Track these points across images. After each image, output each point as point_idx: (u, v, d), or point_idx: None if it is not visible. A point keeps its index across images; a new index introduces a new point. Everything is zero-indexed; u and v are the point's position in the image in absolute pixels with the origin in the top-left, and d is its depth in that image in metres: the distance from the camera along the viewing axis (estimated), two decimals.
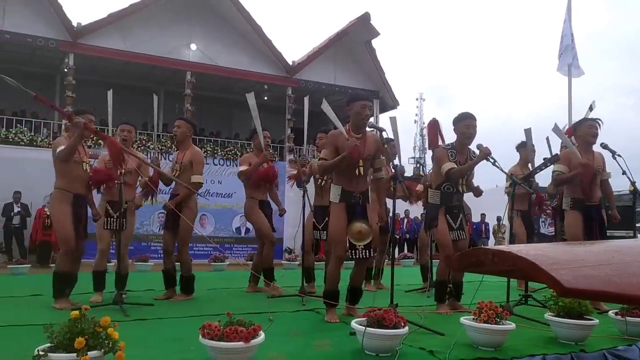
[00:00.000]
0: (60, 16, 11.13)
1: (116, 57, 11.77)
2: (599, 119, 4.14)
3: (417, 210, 12.35)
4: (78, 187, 3.86)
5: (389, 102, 14.71)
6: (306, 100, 4.78)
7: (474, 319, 2.77)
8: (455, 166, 3.67)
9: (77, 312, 1.99)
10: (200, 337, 2.25)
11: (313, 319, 3.51)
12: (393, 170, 3.17)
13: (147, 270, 7.03)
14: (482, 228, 13.56)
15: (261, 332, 2.34)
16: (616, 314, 3.17)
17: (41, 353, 1.91)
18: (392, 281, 3.25)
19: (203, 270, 7.00)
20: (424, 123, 33.74)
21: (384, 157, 3.54)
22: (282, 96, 13.47)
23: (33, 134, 11.18)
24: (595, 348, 2.83)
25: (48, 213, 9.75)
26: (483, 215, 13.51)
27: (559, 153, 4.05)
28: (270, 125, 13.46)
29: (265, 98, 14.15)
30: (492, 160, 3.56)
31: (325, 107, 3.52)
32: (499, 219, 12.97)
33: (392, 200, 3.45)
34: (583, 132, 4.12)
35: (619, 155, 3.92)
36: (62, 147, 3.70)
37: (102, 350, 1.94)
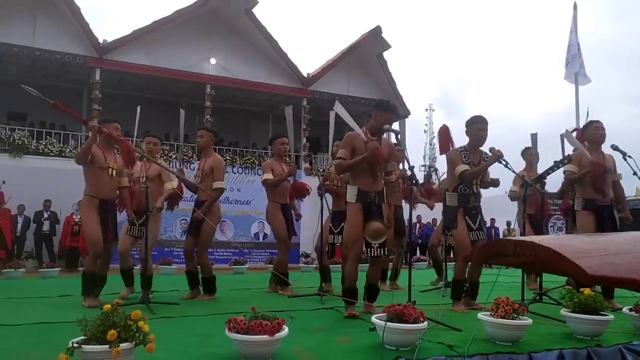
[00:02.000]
0: (87, 33, 11.62)
1: (140, 72, 12.19)
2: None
3: (429, 215, 12.44)
4: (105, 193, 4.01)
5: (400, 112, 14.86)
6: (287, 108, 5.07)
7: (491, 314, 2.84)
8: (469, 168, 3.78)
9: (109, 306, 2.13)
10: (227, 330, 2.37)
11: (333, 317, 3.62)
12: (409, 172, 3.27)
13: (171, 273, 7.22)
14: (492, 233, 13.51)
15: (285, 326, 2.46)
16: (630, 310, 3.20)
17: (75, 345, 2.01)
18: (410, 279, 3.34)
19: (224, 274, 7.16)
20: (433, 133, 33.81)
21: (394, 162, 3.66)
22: (298, 107, 13.74)
23: (62, 145, 11.63)
24: (611, 343, 2.87)
25: (76, 220, 10.15)
26: (493, 220, 13.51)
27: (570, 154, 4.11)
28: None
29: (282, 109, 14.43)
30: (504, 163, 3.66)
31: (338, 108, 3.68)
32: (508, 223, 12.94)
33: (409, 202, 3.56)
34: (590, 133, 4.22)
35: (630, 157, 3.95)
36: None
37: (134, 342, 2.06)
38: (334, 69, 13.82)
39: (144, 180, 4.23)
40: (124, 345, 2.04)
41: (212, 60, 12.83)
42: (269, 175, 4.87)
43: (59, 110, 4.00)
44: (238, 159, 12.74)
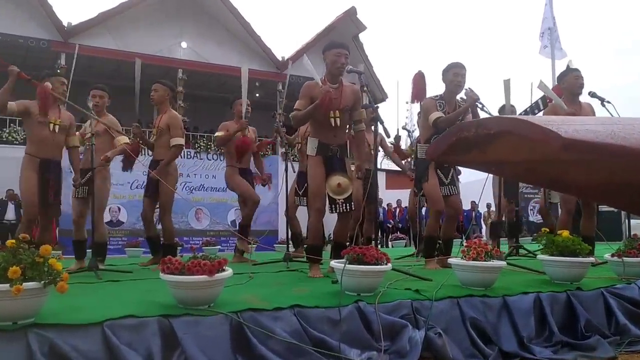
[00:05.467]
0: (51, 16, 11.13)
1: (107, 57, 11.73)
2: None
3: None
4: (46, 151, 3.67)
5: (378, 95, 14.66)
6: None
7: (462, 257, 2.60)
8: (443, 115, 3.53)
9: (12, 241, 1.83)
10: (161, 273, 2.09)
11: (297, 276, 3.34)
12: (373, 112, 2.99)
13: (137, 255, 6.85)
14: (473, 215, 13.35)
15: (228, 267, 2.18)
16: (613, 255, 3.00)
17: None
18: (376, 224, 3.08)
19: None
20: (414, 125, 33.79)
21: (363, 110, 3.42)
22: (273, 92, 13.43)
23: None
24: (592, 287, 2.66)
25: None
26: (473, 203, 13.36)
27: (546, 97, 3.86)
28: (263, 121, 13.45)
29: (257, 95, 14.11)
30: (480, 106, 3.41)
31: (306, 62, 3.44)
32: (488, 205, 12.84)
33: (374, 145, 3.28)
34: (569, 83, 3.93)
35: (608, 102, 3.76)
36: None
37: (42, 282, 1.77)
38: (309, 51, 13.48)
39: (89, 136, 3.87)
40: (29, 285, 1.74)
41: (184, 44, 12.44)
42: (220, 133, 4.60)
43: None
44: (212, 146, 12.36)
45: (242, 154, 4.51)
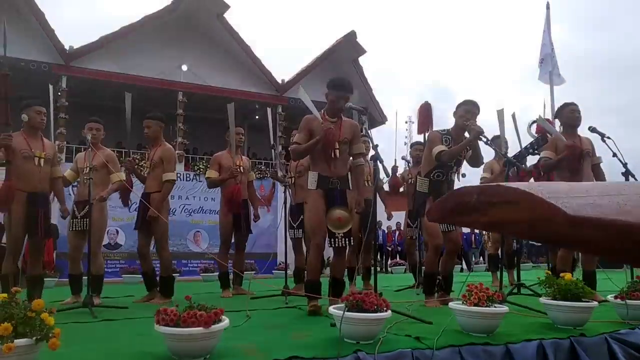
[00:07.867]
0: (53, 39, 11.22)
1: (108, 79, 11.79)
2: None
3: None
4: (33, 185, 3.62)
5: (377, 118, 14.71)
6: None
7: (463, 302, 2.56)
8: (446, 149, 3.51)
9: (5, 295, 1.79)
10: (155, 324, 2.05)
11: (295, 314, 3.29)
12: (373, 151, 2.99)
13: (135, 282, 6.77)
14: (472, 239, 13.22)
15: (225, 317, 2.13)
16: (615, 297, 2.95)
17: None
18: (375, 264, 3.04)
19: (195, 282, 6.82)
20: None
21: (362, 144, 3.41)
22: (273, 114, 13.44)
23: None
24: (595, 332, 2.61)
25: None
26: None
27: (548, 135, 3.87)
28: (262, 144, 13.44)
29: (257, 117, 14.18)
30: (484, 140, 3.39)
31: (302, 93, 3.44)
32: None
33: (374, 183, 3.27)
34: (566, 116, 3.98)
35: (609, 138, 3.76)
36: None
37: (34, 338, 1.72)
38: (308, 75, 13.60)
39: (87, 170, 3.86)
40: (20, 342, 1.69)
41: (184, 67, 12.53)
42: (211, 173, 4.58)
43: None
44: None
45: (231, 204, 4.45)
